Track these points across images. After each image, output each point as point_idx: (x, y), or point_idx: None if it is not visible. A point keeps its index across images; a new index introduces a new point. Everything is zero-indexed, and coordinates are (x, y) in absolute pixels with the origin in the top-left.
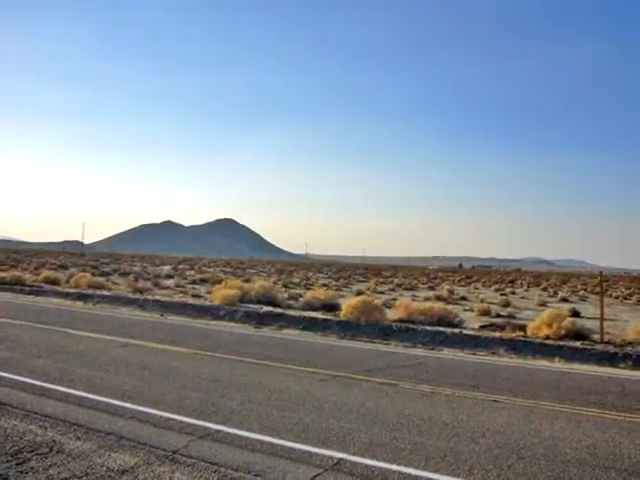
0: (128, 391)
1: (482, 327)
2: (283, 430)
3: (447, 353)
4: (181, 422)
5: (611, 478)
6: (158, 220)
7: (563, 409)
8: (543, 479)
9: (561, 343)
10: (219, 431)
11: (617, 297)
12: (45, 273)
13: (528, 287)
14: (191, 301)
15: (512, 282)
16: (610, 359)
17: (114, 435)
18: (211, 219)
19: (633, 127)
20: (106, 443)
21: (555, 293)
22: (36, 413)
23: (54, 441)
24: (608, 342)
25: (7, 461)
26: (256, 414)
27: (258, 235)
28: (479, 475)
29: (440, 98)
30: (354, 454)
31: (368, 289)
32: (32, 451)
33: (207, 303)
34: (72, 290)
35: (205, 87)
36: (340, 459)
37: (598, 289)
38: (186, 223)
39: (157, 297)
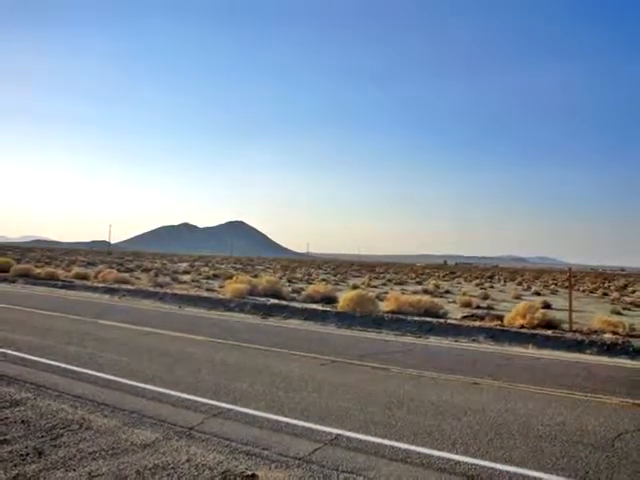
0: (150, 374)
1: (464, 317)
2: (287, 409)
3: (433, 341)
4: (196, 402)
5: (578, 451)
6: (176, 222)
7: (536, 391)
8: (518, 453)
9: (534, 332)
10: (230, 410)
11: (584, 291)
12: (76, 270)
13: (505, 282)
14: (205, 294)
15: (491, 277)
16: (578, 346)
17: (137, 413)
18: (223, 221)
19: (600, 140)
20: (130, 420)
21: (529, 287)
22: (68, 394)
23: (83, 419)
24: (576, 331)
25: (42, 436)
26: (263, 395)
27: (265, 236)
28: (461, 449)
29: (423, 115)
30: (350, 430)
31: (363, 284)
32: (64, 427)
33: (220, 296)
34: (100, 285)
35: (222, 103)
36: (337, 435)
37: (567, 284)
38: (201, 225)
39: (175, 291)
